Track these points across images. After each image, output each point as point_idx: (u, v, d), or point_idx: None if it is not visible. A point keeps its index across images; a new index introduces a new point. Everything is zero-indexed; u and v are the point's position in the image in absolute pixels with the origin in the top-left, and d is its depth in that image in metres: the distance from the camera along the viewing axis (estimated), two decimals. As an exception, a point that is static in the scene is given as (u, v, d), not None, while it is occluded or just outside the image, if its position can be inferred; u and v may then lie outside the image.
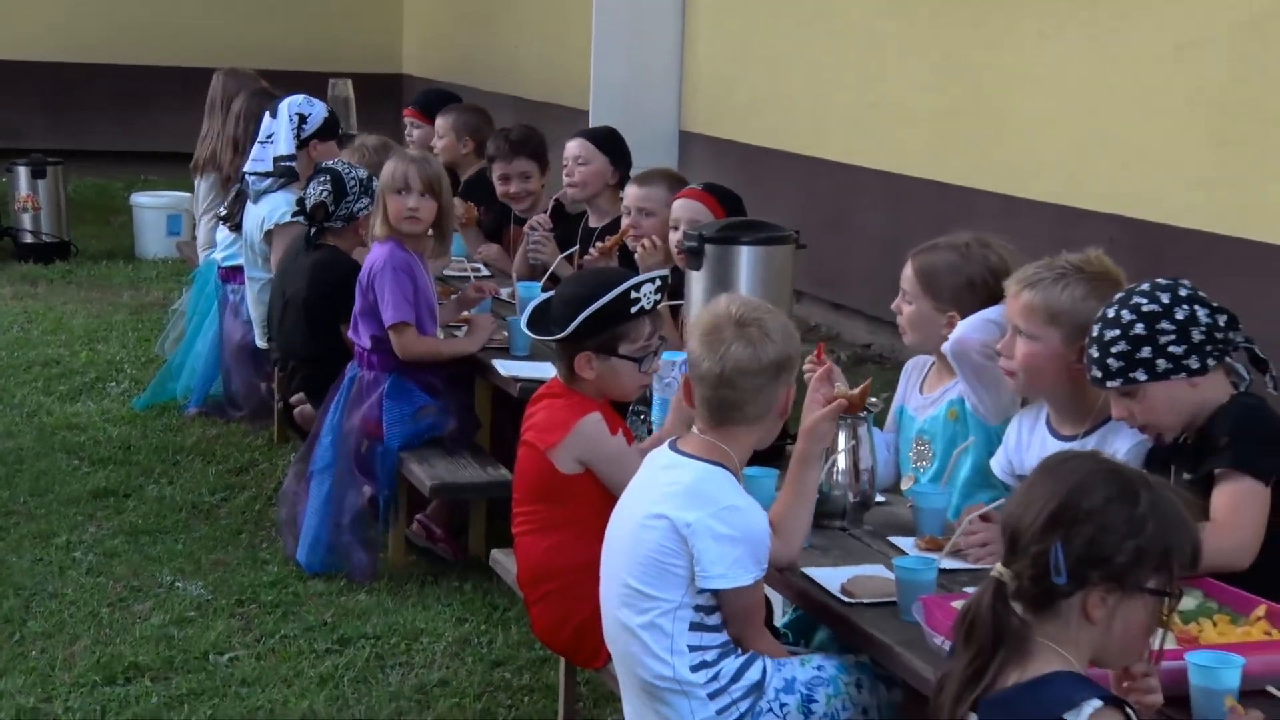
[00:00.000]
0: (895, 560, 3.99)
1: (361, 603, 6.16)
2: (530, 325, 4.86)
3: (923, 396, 4.87)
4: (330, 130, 8.17)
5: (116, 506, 7.16)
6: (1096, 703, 2.82)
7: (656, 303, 4.76)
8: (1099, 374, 3.98)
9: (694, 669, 3.99)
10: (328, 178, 6.99)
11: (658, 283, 4.77)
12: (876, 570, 4.09)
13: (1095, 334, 3.98)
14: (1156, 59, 7.57)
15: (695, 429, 4.15)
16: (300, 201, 7.12)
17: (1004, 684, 2.93)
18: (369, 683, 5.50)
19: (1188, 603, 3.58)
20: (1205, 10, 7.27)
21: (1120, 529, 2.89)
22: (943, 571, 3.97)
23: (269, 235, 7.83)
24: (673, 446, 4.16)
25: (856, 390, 4.37)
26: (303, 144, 8.01)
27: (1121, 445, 4.12)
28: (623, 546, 4.09)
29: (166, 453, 7.92)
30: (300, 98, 8.18)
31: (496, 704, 5.32)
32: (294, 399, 7.17)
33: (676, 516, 3.95)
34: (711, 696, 3.99)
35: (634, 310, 4.67)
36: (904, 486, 4.71)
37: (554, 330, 4.71)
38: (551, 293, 5.00)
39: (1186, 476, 3.94)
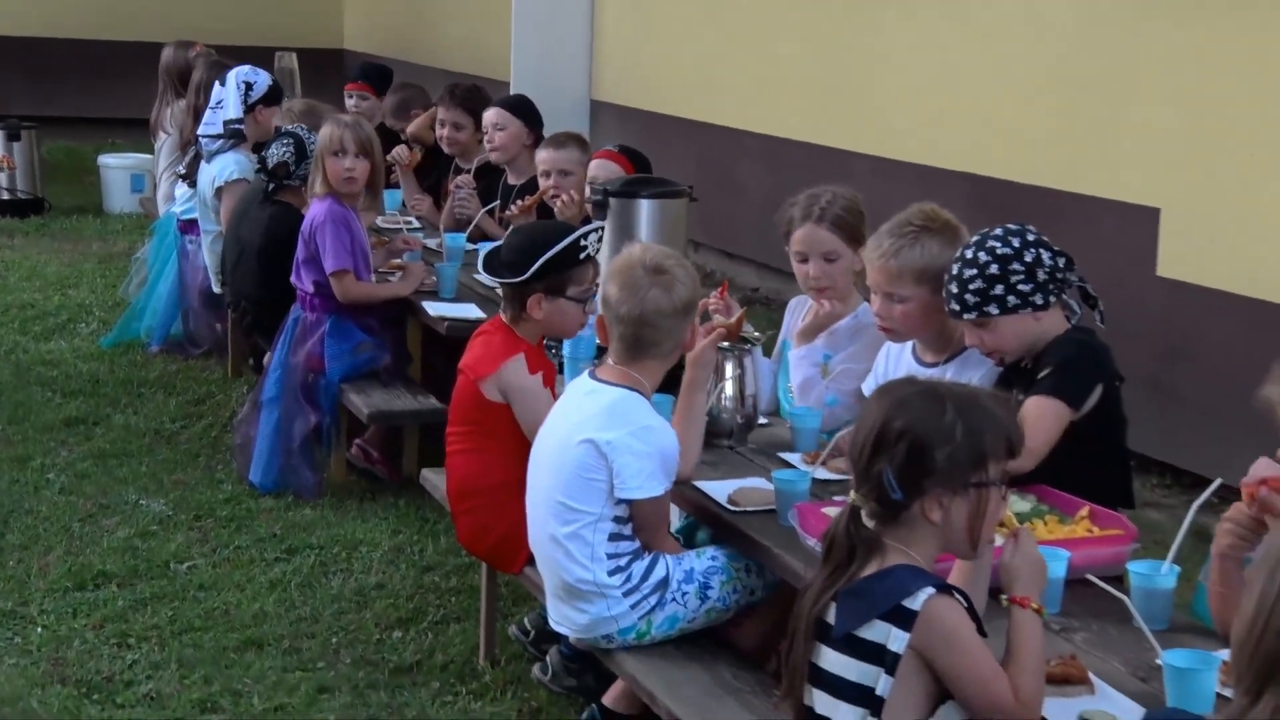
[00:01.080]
0: (774, 473, 4.04)
1: (307, 517, 6.15)
2: (487, 270, 4.84)
3: (804, 331, 4.89)
4: (274, 97, 8.06)
5: (86, 433, 7.11)
6: (930, 590, 2.87)
7: (598, 250, 4.77)
8: (957, 308, 4.03)
9: (610, 574, 4.02)
10: (290, 141, 6.93)
11: (600, 233, 4.83)
12: (759, 483, 4.12)
13: (954, 273, 4.02)
14: (1006, 36, 7.63)
15: (610, 361, 4.17)
16: (262, 160, 7.06)
17: (857, 579, 2.97)
18: (313, 586, 5.49)
19: (1023, 506, 3.66)
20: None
21: (932, 440, 2.92)
22: (817, 482, 4.02)
23: (219, 191, 7.78)
24: (592, 375, 4.17)
25: (733, 320, 4.40)
26: (249, 109, 7.94)
27: (975, 373, 4.16)
28: (551, 464, 4.09)
29: (131, 385, 7.86)
30: (246, 68, 8.10)
31: (427, 604, 5.33)
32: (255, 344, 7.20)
33: (598, 436, 3.97)
34: (625, 594, 4.03)
35: (582, 256, 4.68)
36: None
37: (510, 274, 4.68)
38: (499, 242, 4.98)
39: (1020, 397, 3.99)
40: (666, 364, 4.20)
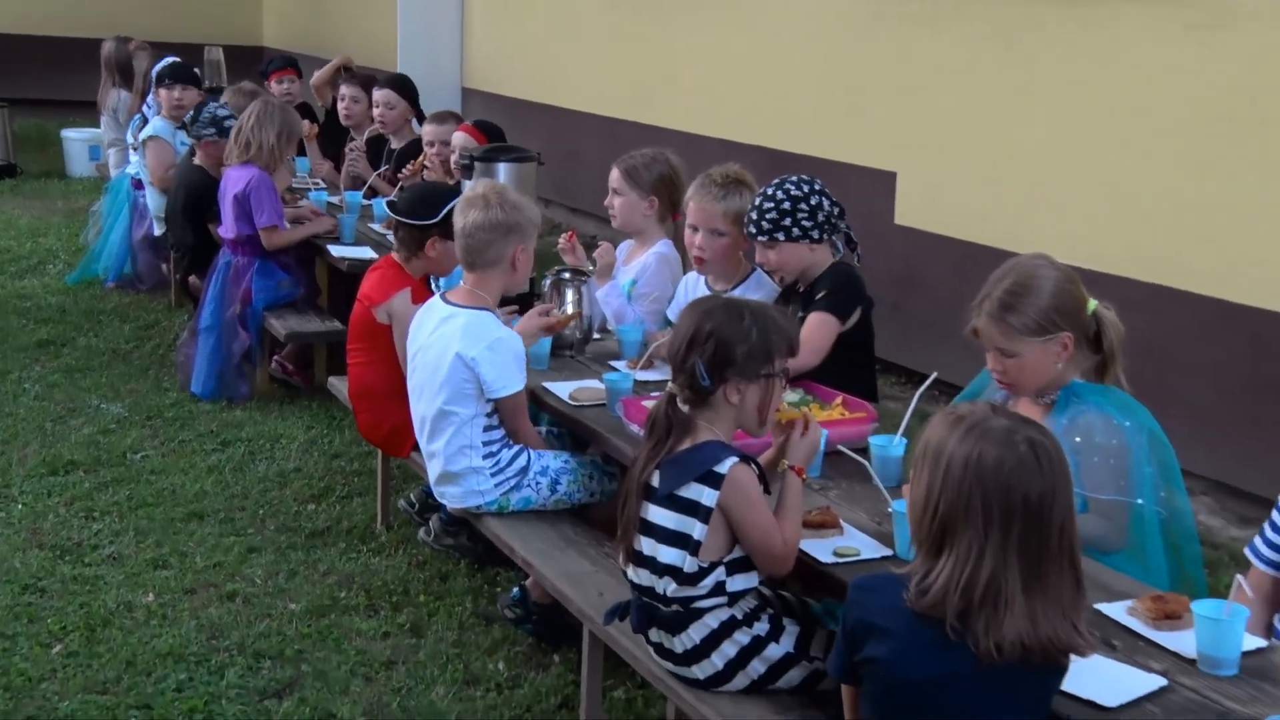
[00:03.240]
0: (605, 375, 4.06)
1: (238, 417, 6.05)
2: (398, 214, 4.75)
3: (625, 267, 4.92)
4: (176, 77, 8.02)
5: (55, 353, 6.89)
6: (734, 459, 2.92)
7: None
8: (754, 230, 4.10)
9: (484, 458, 4.03)
10: (194, 110, 7.08)
11: None
12: (594, 383, 4.14)
13: (756, 204, 4.11)
14: (780, 40, 7.67)
15: (462, 282, 4.14)
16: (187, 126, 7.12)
17: (676, 452, 3.01)
18: (244, 470, 5.41)
19: (793, 397, 3.72)
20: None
21: (734, 339, 2.96)
22: (638, 382, 4.05)
23: (142, 147, 7.94)
24: (443, 299, 4.12)
25: (562, 318, 4.38)
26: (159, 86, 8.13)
27: (757, 295, 4.21)
28: (431, 379, 4.03)
29: (92, 314, 7.64)
30: (165, 60, 8.37)
31: (334, 483, 5.28)
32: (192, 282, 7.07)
33: (464, 352, 3.95)
34: (492, 475, 4.03)
35: None
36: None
37: (423, 218, 4.64)
38: (391, 197, 4.93)
39: (800, 314, 4.06)
40: (500, 279, 4.12)
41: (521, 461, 4.08)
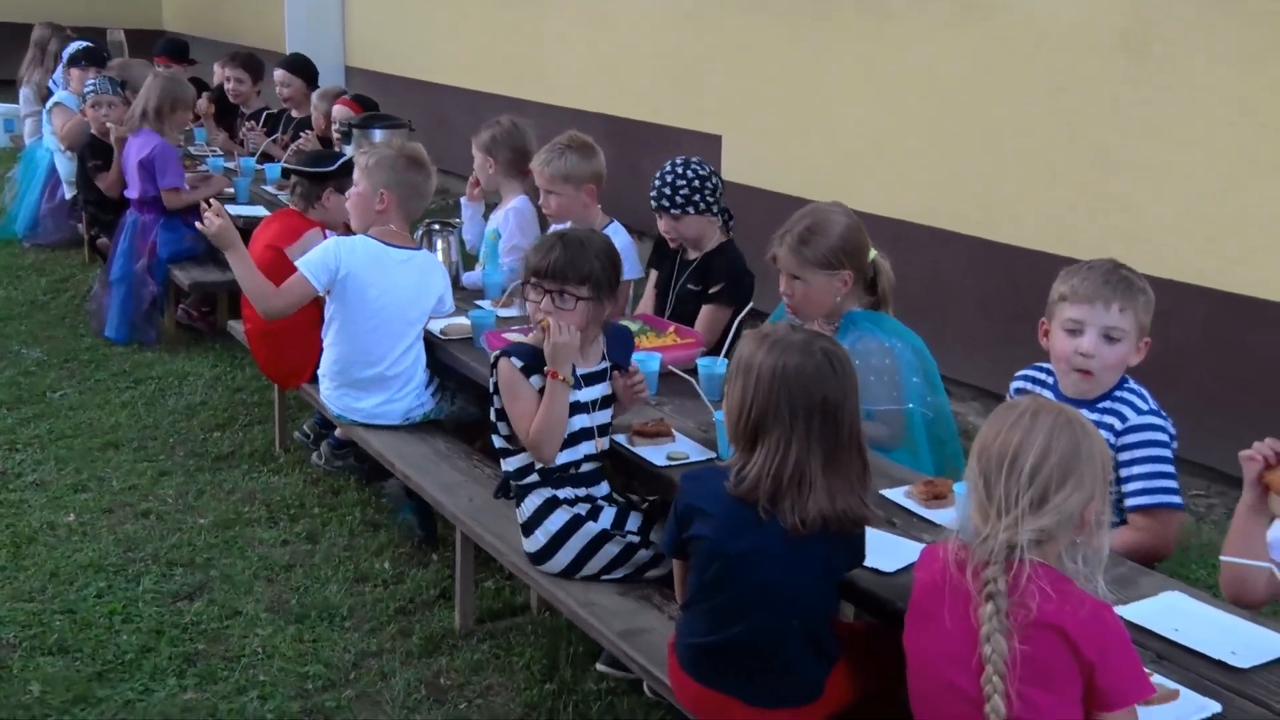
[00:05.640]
0: (470, 312, 4.03)
1: (148, 358, 5.84)
2: (304, 165, 4.67)
3: (492, 215, 4.87)
4: (89, 60, 7.78)
5: (-22, 305, 6.57)
6: (500, 352, 3.02)
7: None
8: (666, 204, 4.02)
9: (424, 372, 4.03)
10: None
11: None
12: (462, 320, 4.10)
13: (667, 180, 4.02)
14: (626, 22, 7.62)
15: (390, 226, 4.02)
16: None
17: None
18: (155, 405, 5.24)
19: (634, 326, 3.72)
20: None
21: (585, 265, 2.97)
22: (500, 318, 4.03)
23: (48, 113, 7.74)
24: (385, 242, 3.98)
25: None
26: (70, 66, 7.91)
27: (616, 240, 4.16)
28: (410, 313, 3.94)
29: (11, 269, 7.26)
30: (75, 42, 8.14)
31: (237, 414, 5.15)
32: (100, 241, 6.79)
33: (437, 287, 3.98)
34: (427, 386, 4.07)
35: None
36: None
37: (324, 166, 4.57)
38: (281, 162, 4.81)
39: (692, 287, 4.04)
40: (405, 215, 4.08)
41: (428, 372, 4.08)
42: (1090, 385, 2.72)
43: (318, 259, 3.96)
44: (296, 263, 4.03)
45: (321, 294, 4.00)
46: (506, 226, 4.68)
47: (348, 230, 4.33)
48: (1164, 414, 2.72)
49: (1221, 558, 2.39)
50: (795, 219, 3.22)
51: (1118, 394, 2.73)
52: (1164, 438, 2.68)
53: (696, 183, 4.02)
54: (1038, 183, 5.01)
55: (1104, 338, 2.68)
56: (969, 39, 5.28)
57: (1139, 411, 2.69)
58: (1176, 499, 2.65)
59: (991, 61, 5.19)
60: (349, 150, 4.91)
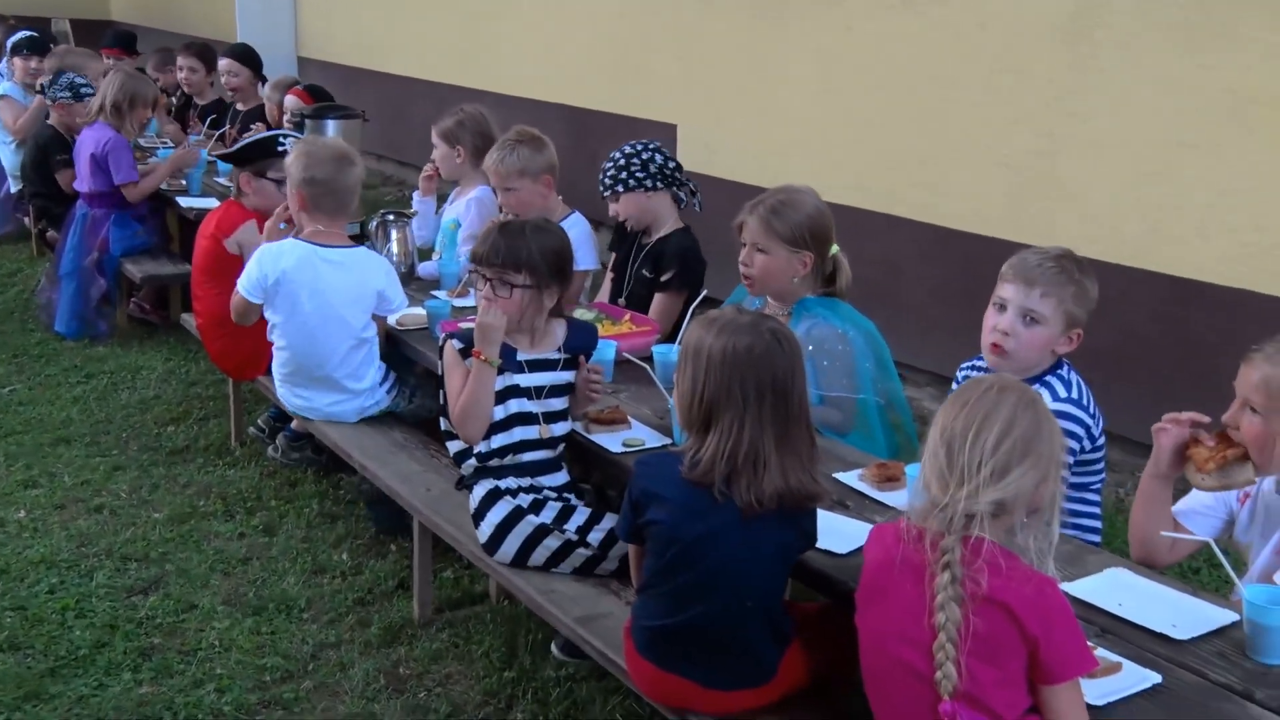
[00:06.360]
0: (426, 301, 4.03)
1: (100, 353, 5.79)
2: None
3: (449, 205, 4.86)
4: (32, 49, 7.67)
5: (-76, 301, 6.46)
6: (445, 336, 3.10)
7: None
8: (602, 189, 4.06)
9: (378, 370, 4.00)
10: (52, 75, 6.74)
11: (293, 138, 4.65)
12: (418, 310, 4.09)
13: (604, 167, 4.05)
14: (579, 16, 7.62)
15: (318, 228, 3.96)
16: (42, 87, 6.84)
17: None
18: (107, 399, 5.19)
19: (588, 315, 3.76)
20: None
21: (523, 254, 3.02)
22: (455, 308, 4.02)
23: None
24: (315, 243, 3.93)
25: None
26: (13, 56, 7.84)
27: (572, 232, 4.15)
28: (345, 314, 3.88)
29: (-42, 265, 7.17)
30: (22, 32, 7.95)
31: (192, 407, 5.12)
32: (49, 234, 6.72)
33: (375, 284, 3.90)
34: (382, 383, 4.02)
35: (279, 149, 4.52)
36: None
37: (237, 158, 4.64)
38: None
39: (646, 273, 4.05)
40: (347, 214, 4.07)
41: (388, 374, 4.06)
42: (1002, 361, 2.77)
43: (249, 272, 3.97)
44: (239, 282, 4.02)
45: (259, 304, 3.97)
46: (468, 216, 4.67)
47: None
48: (1086, 404, 2.76)
49: (1161, 533, 2.46)
50: (770, 192, 3.29)
51: (1046, 378, 2.79)
52: (1070, 426, 2.69)
53: (623, 161, 4.06)
54: (985, 168, 5.07)
55: (1023, 318, 2.74)
56: (916, 23, 5.32)
57: (1054, 398, 2.74)
58: None
59: (937, 46, 5.24)
60: (295, 133, 4.86)
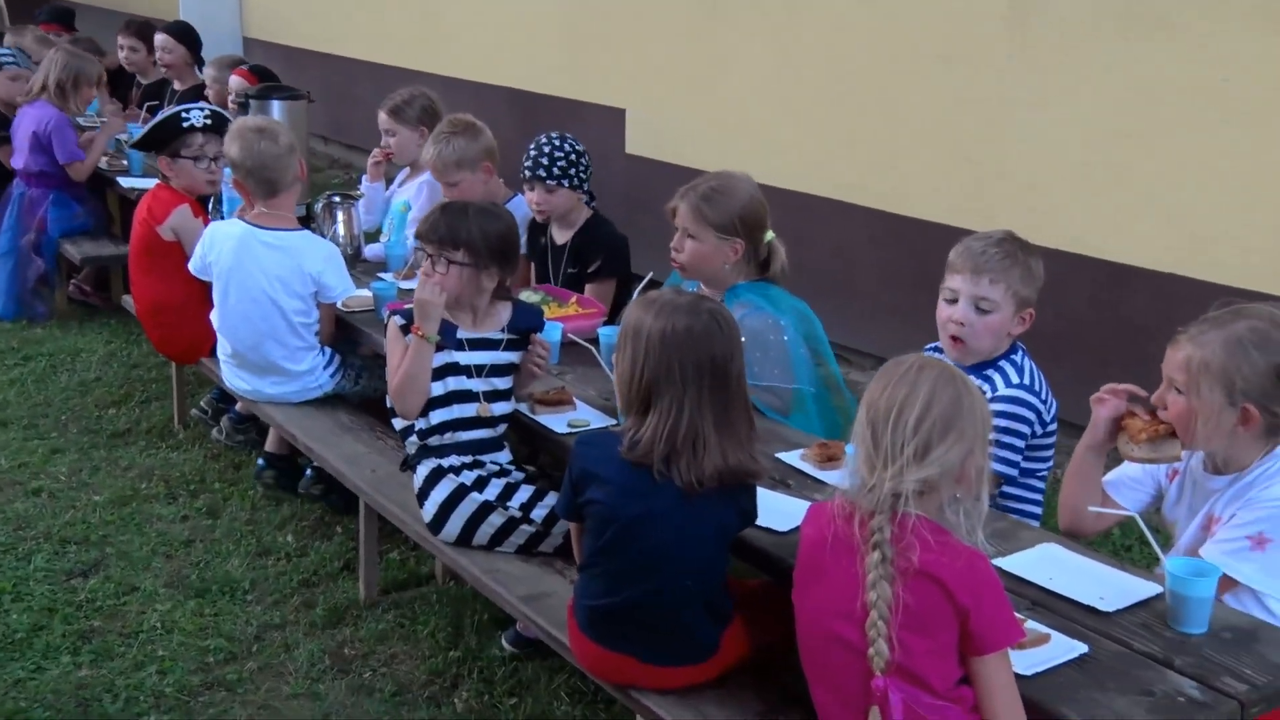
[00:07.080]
0: (372, 283, 4.01)
1: (39, 334, 5.71)
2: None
3: (400, 188, 4.82)
4: None
5: None
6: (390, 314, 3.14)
7: (207, 124, 4.51)
8: (543, 174, 4.05)
9: (319, 355, 3.98)
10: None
11: (205, 110, 4.58)
12: (364, 292, 4.06)
13: (545, 151, 4.05)
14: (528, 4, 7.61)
15: (260, 209, 3.94)
16: None
17: None
18: (46, 382, 5.12)
19: (535, 297, 3.76)
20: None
21: (462, 233, 3.05)
22: (401, 290, 4.01)
23: None
24: (255, 225, 3.91)
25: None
26: None
27: (517, 215, 4.17)
28: (274, 297, 3.84)
29: (-110, 246, 6.98)
30: None
31: (134, 390, 5.07)
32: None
33: (311, 268, 3.86)
34: (325, 368, 4.00)
35: (184, 125, 4.46)
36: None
37: (142, 141, 4.60)
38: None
39: (571, 270, 4.06)
40: (294, 196, 4.03)
41: (333, 359, 4.03)
42: (962, 352, 2.83)
43: (196, 252, 4.04)
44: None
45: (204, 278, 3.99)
46: (419, 199, 4.64)
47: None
48: (1037, 389, 2.81)
49: (1090, 508, 2.53)
50: (704, 178, 3.29)
51: (1000, 362, 2.84)
52: (1022, 411, 2.75)
53: (574, 156, 4.08)
54: (931, 154, 5.14)
55: (974, 307, 2.79)
56: (863, 9, 5.37)
57: (1007, 383, 2.79)
58: (1002, 468, 2.76)
59: (884, 33, 5.29)
60: (200, 105, 4.81)
